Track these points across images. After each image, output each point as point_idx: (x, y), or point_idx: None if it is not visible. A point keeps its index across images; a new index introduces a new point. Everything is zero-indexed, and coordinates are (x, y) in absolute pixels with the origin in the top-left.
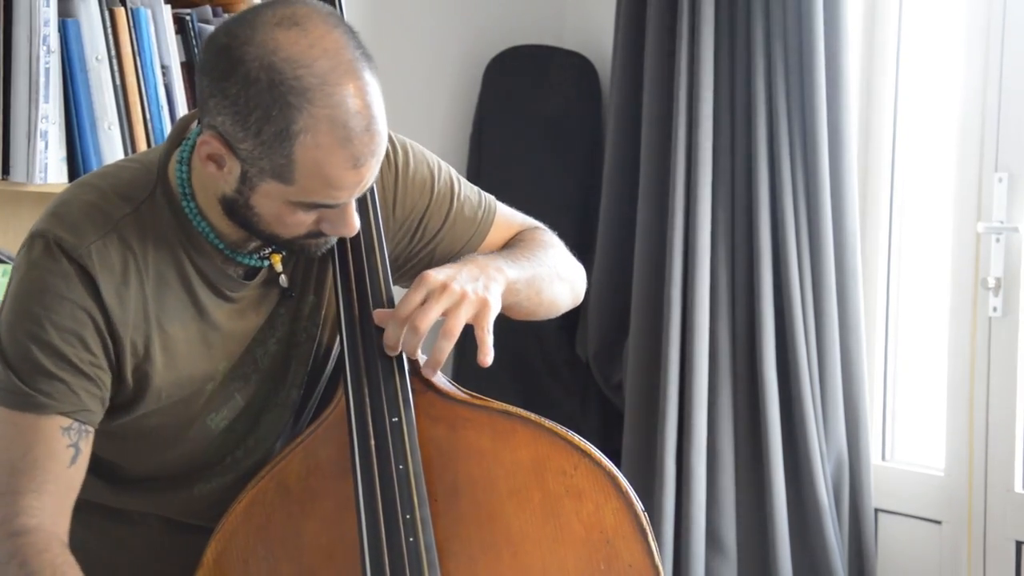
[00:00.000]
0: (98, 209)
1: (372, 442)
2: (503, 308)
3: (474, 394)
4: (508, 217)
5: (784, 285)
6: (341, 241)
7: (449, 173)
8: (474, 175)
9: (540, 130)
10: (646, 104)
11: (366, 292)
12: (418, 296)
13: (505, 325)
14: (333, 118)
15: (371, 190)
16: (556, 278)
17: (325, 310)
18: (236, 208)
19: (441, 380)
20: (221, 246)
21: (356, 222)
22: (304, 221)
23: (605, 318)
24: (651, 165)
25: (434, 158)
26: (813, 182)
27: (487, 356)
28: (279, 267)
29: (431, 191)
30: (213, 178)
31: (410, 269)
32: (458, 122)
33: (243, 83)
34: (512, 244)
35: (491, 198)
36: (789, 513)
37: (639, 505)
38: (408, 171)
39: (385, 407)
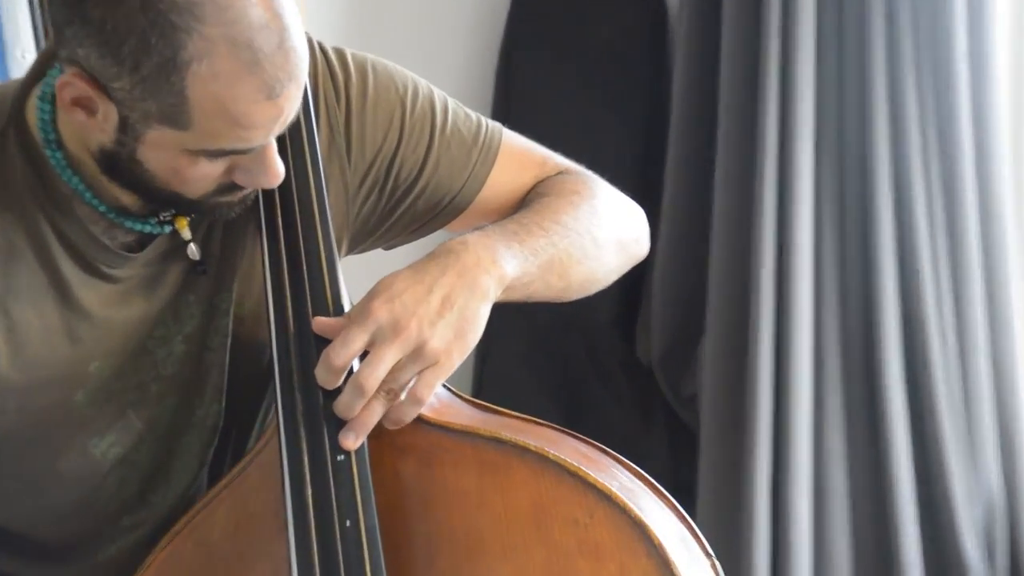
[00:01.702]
0: None
1: (308, 491)
2: (507, 299)
3: (484, 404)
4: (521, 153)
5: (911, 277)
6: (268, 206)
7: (429, 96)
8: (500, 116)
9: (585, 66)
10: (726, 35)
11: (302, 283)
12: (361, 337)
13: (538, 313)
14: (233, 38)
15: (307, 131)
16: (593, 249)
17: (257, 296)
18: (119, 164)
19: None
20: (102, 208)
21: (280, 167)
22: (210, 174)
23: (674, 311)
24: (733, 116)
25: (406, 77)
26: (948, 143)
27: (397, 420)
28: (186, 233)
29: (401, 125)
30: (84, 127)
31: (388, 232)
32: (479, 54)
33: (107, 2)
34: (528, 201)
35: (495, 127)
36: (925, 574)
37: (681, 565)
38: (366, 102)
39: (327, 439)
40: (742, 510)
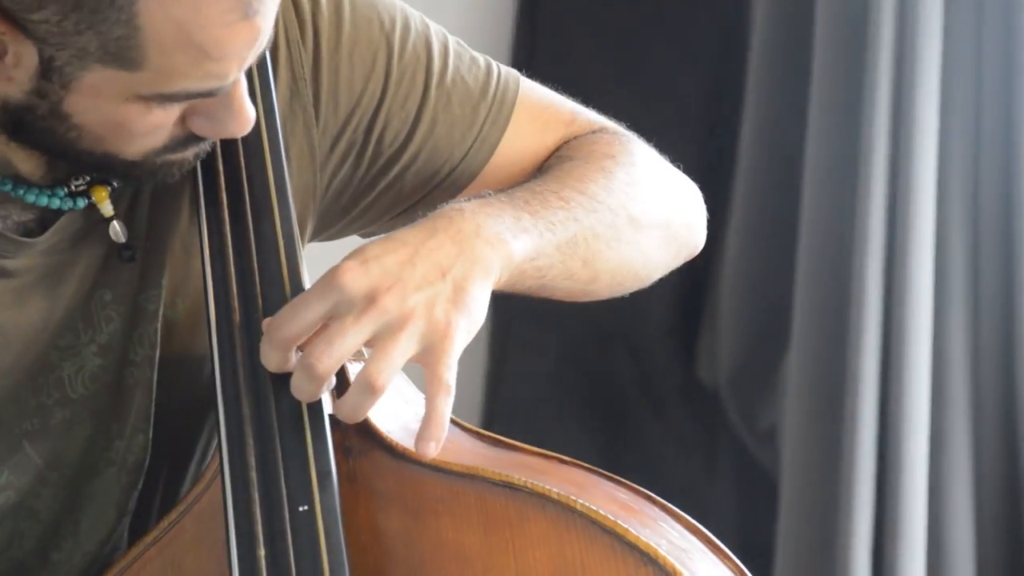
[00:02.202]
0: None
1: (260, 551)
2: (515, 288)
3: (492, 436)
4: (544, 109)
5: None
6: (207, 177)
7: (423, 33)
8: (522, 71)
9: None
10: None
11: (252, 277)
12: (319, 306)
13: (569, 321)
14: None
15: (260, 77)
16: (629, 231)
17: (194, 295)
18: (30, 123)
19: (402, 420)
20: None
21: (251, 109)
22: (163, 123)
23: (750, 322)
24: (834, 69)
25: (394, 7)
26: None
27: (429, 440)
28: (107, 207)
29: (386, 71)
30: None
31: (365, 213)
32: None
33: None
34: (547, 167)
35: (510, 75)
36: None
37: None
38: (340, 40)
39: (284, 486)
40: None
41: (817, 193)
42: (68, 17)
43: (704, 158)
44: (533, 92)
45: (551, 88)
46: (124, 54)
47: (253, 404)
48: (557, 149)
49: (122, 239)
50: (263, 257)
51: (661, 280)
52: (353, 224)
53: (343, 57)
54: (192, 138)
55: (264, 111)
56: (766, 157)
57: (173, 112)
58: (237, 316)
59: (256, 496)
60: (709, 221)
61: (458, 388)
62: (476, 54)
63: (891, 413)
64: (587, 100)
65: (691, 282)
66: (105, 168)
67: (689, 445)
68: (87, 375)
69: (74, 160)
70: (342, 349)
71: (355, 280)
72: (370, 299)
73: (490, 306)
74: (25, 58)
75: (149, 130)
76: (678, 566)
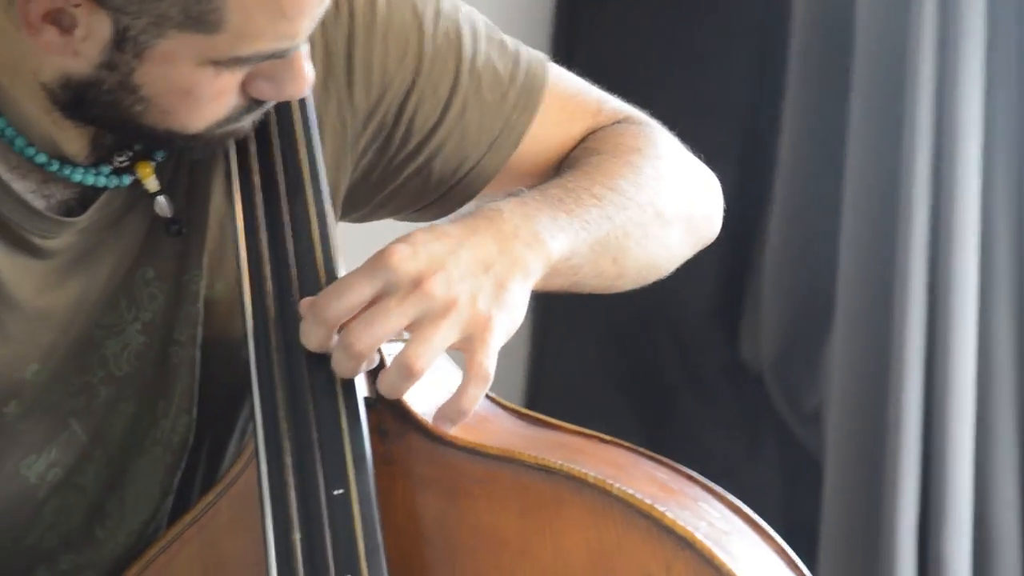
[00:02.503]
0: None
1: (295, 535)
2: (547, 287)
3: (531, 415)
4: (572, 97)
5: None
6: (241, 158)
7: (453, 16)
8: (562, 59)
9: None
10: None
11: (286, 259)
12: (366, 286)
13: (612, 302)
14: None
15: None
16: (655, 223)
17: (231, 275)
18: (92, 98)
19: (438, 401)
20: (40, 158)
21: (311, 71)
22: (228, 88)
23: (793, 302)
24: (876, 50)
25: None
26: None
27: (447, 419)
28: (152, 183)
29: (419, 52)
30: (46, 51)
31: (389, 200)
32: None
33: None
34: (574, 159)
35: (537, 58)
36: None
37: None
38: (375, 19)
39: (319, 469)
40: (879, 560)
41: (860, 172)
42: None
43: (747, 138)
44: (561, 79)
45: (589, 77)
46: (205, 17)
47: (288, 387)
48: (583, 139)
49: (168, 214)
50: (297, 237)
51: (704, 261)
52: (379, 210)
53: (377, 37)
54: (252, 105)
55: (299, 106)
56: (808, 139)
57: (238, 76)
58: (271, 297)
59: (291, 480)
60: (751, 201)
61: (500, 368)
62: (505, 37)
63: (936, 393)
64: (627, 92)
65: (734, 262)
66: (165, 142)
67: (732, 426)
68: (132, 353)
69: (134, 134)
70: (384, 329)
71: (403, 262)
72: (416, 283)
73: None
74: (96, 30)
75: (215, 96)
76: (716, 550)
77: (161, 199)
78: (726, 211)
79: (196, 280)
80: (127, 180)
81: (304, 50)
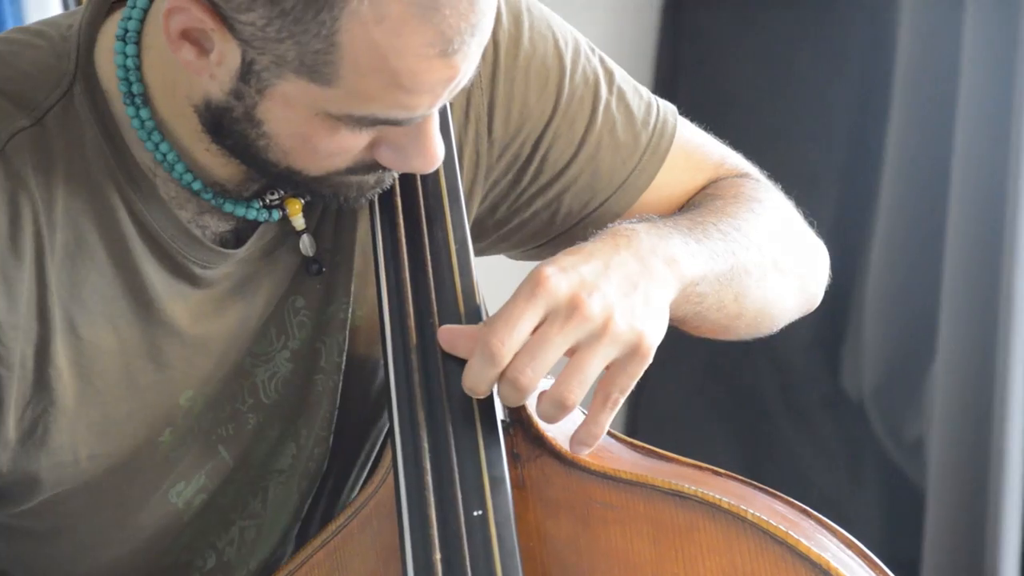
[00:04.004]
0: None
1: (436, 555)
2: (673, 313)
3: (646, 447)
4: (698, 148)
5: None
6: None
7: (590, 57)
8: (666, 82)
9: (780, 10)
10: None
11: (426, 284)
12: (531, 315)
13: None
14: None
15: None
16: (772, 270)
17: (372, 303)
18: (228, 123)
19: (565, 427)
20: (196, 186)
21: (439, 147)
22: (350, 148)
23: (896, 330)
24: (980, 81)
25: (566, 28)
26: None
27: (584, 444)
28: (299, 221)
29: (558, 91)
30: (188, 70)
31: (513, 234)
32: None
33: None
34: (695, 204)
35: (668, 109)
36: None
37: None
38: (519, 55)
39: (459, 491)
40: None
41: (964, 201)
42: (272, 22)
43: (850, 167)
44: (688, 129)
45: (695, 108)
46: (319, 68)
47: (427, 409)
48: (701, 190)
49: (311, 252)
50: (436, 263)
51: None
52: (501, 243)
53: (519, 71)
54: (376, 166)
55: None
56: (912, 165)
57: (362, 138)
58: (412, 321)
59: (431, 499)
60: (854, 228)
61: None
62: (637, 84)
63: None
64: (729, 119)
65: (836, 291)
66: (287, 181)
67: (833, 456)
68: (280, 380)
69: (261, 169)
70: (548, 360)
71: (559, 285)
72: (573, 306)
73: None
74: (228, 57)
75: (334, 151)
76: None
77: (305, 238)
78: (828, 238)
79: (343, 309)
80: (277, 215)
81: (432, 124)
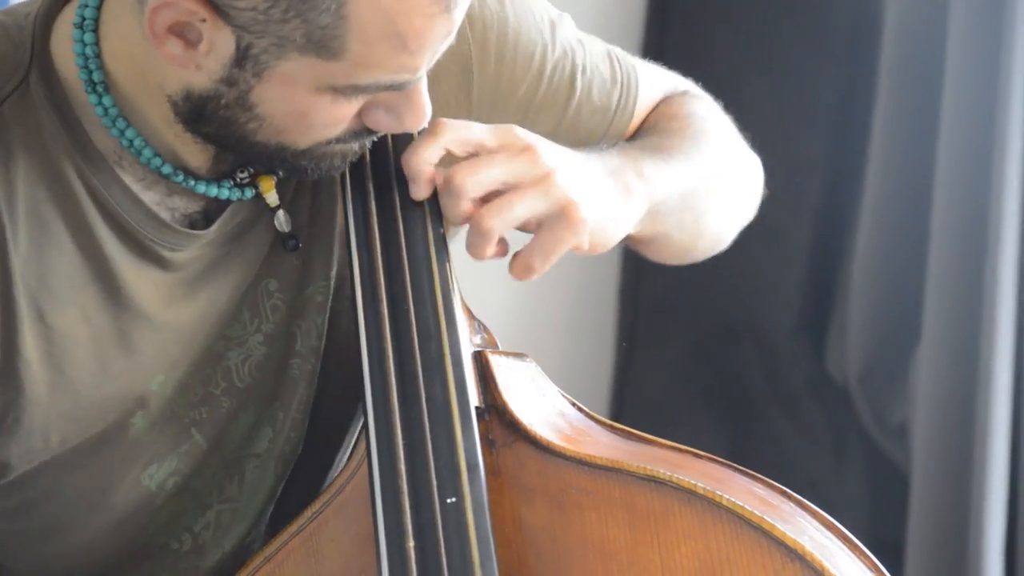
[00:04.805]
0: None
1: (409, 543)
2: (634, 243)
3: (626, 430)
4: (657, 89)
5: None
6: (355, 167)
7: (565, 25)
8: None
9: None
10: None
11: (401, 269)
12: (482, 134)
13: (698, 314)
14: None
15: None
16: (727, 189)
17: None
18: (213, 110)
19: (542, 413)
20: (166, 170)
21: (428, 104)
22: (344, 117)
23: (881, 313)
24: (966, 64)
25: (541, 3)
26: None
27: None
28: (272, 197)
29: (541, 67)
30: (171, 63)
31: None
32: None
33: None
34: (652, 125)
35: (630, 62)
36: None
37: None
38: (506, 30)
39: (433, 478)
40: None
41: (949, 186)
42: (277, 4)
43: (836, 151)
44: (644, 74)
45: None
46: (327, 43)
47: (402, 394)
48: (658, 104)
49: (286, 228)
50: (411, 245)
51: (790, 273)
52: None
53: (507, 52)
54: (364, 132)
55: None
56: (898, 149)
57: (356, 104)
58: (385, 307)
59: (404, 487)
60: (839, 213)
61: (586, 381)
62: (592, 37)
63: None
64: (717, 93)
65: (820, 276)
66: (274, 159)
67: (818, 440)
68: (253, 363)
69: (245, 152)
70: (479, 175)
71: (524, 135)
72: (526, 147)
73: (617, 299)
74: (220, 46)
75: (329, 122)
76: (825, 563)
77: (280, 214)
78: (814, 223)
79: (321, 291)
80: (249, 193)
81: (423, 83)
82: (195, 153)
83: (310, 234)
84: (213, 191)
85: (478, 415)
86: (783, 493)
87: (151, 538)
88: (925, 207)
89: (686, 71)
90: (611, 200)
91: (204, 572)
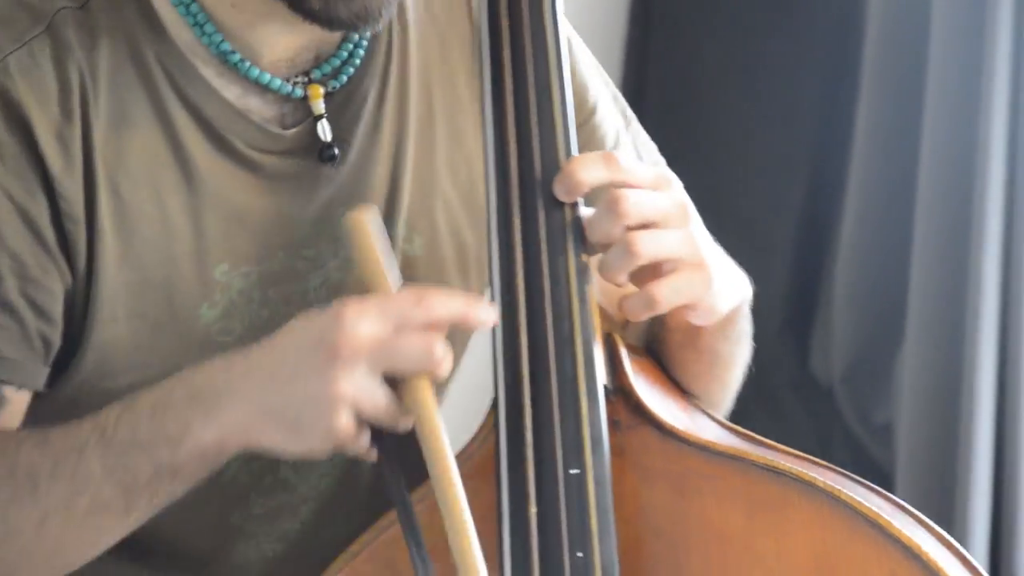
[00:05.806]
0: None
1: (532, 508)
2: (690, 339)
3: (742, 431)
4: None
5: None
6: (493, 33)
7: (605, 78)
8: (635, 70)
9: None
10: None
11: (532, 153)
12: (647, 176)
13: None
14: None
15: None
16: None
17: (430, 235)
18: None
19: (666, 402)
20: (234, 58)
21: None
22: None
23: (862, 318)
24: (948, 64)
25: (593, 64)
26: None
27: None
28: (318, 105)
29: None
30: None
31: None
32: None
33: None
34: None
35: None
36: None
37: None
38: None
39: (559, 448)
40: None
41: (933, 186)
42: None
43: (819, 150)
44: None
45: (664, 104)
46: None
47: (532, 365)
48: None
49: (327, 138)
50: (542, 127)
51: (774, 274)
52: None
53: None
54: None
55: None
56: (881, 150)
57: None
58: (521, 286)
59: (530, 455)
60: (822, 215)
61: None
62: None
63: (1008, 409)
64: (700, 94)
65: (804, 276)
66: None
67: (802, 441)
68: (330, 289)
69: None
70: (646, 201)
71: (681, 191)
72: (678, 201)
73: None
74: None
75: None
76: (941, 564)
77: (324, 122)
78: (797, 223)
79: (392, 234)
80: (299, 92)
81: None
82: (273, 48)
83: (366, 144)
84: (266, 78)
85: (605, 395)
86: (900, 506)
87: (235, 476)
88: (908, 208)
89: (669, 71)
90: (730, 278)
91: (293, 509)
